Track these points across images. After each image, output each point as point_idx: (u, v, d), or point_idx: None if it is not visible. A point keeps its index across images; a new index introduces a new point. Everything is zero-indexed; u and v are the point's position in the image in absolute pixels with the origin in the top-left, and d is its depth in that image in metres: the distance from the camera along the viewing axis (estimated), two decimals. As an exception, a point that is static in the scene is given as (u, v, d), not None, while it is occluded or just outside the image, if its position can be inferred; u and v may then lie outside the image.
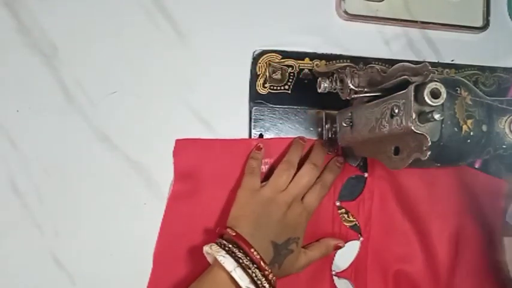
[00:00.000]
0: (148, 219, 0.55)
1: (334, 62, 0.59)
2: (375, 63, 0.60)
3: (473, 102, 0.45)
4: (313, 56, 0.59)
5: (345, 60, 0.60)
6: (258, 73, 0.58)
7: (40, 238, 0.53)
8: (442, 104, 0.41)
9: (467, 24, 0.62)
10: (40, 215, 0.54)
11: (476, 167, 0.61)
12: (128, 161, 0.55)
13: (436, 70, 0.62)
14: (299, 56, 0.59)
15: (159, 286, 0.54)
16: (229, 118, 0.57)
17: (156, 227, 0.55)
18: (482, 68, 0.63)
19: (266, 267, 0.48)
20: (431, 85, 0.41)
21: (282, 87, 0.58)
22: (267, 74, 0.58)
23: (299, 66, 0.59)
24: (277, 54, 0.58)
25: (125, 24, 0.57)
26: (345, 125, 0.54)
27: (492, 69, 0.63)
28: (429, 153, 0.42)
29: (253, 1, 0.59)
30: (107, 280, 0.54)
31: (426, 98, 0.41)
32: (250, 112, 0.57)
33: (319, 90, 0.53)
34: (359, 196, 0.59)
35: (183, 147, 0.56)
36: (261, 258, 0.48)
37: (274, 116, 0.58)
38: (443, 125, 0.43)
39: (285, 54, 0.58)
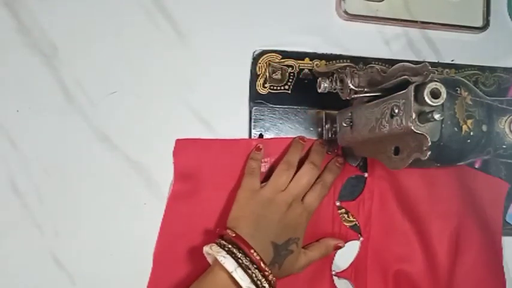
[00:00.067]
0: (148, 219, 0.55)
1: (334, 62, 0.59)
2: (375, 63, 0.60)
3: (473, 102, 0.45)
4: (313, 56, 0.59)
5: (345, 60, 0.60)
6: (258, 73, 0.58)
7: (40, 238, 0.53)
8: (442, 104, 0.41)
9: (467, 24, 0.62)
10: (40, 215, 0.54)
11: (476, 167, 0.61)
12: (128, 161, 0.55)
13: (436, 70, 0.62)
14: (299, 56, 0.59)
15: (159, 286, 0.54)
16: (229, 118, 0.57)
17: (156, 227, 0.55)
18: (482, 68, 0.63)
19: (266, 268, 0.48)
20: (431, 85, 0.41)
21: (282, 87, 0.58)
22: (267, 74, 0.58)
23: (299, 66, 0.59)
24: (277, 54, 0.58)
25: (125, 24, 0.57)
26: (345, 125, 0.54)
27: (492, 69, 0.63)
28: (429, 153, 0.42)
29: (253, 1, 0.59)
30: (107, 280, 0.54)
31: (426, 98, 0.41)
32: (250, 112, 0.57)
33: (319, 90, 0.53)
34: (359, 196, 0.59)
35: (183, 147, 0.56)
36: (261, 259, 0.48)
37: (274, 116, 0.58)
38: (443, 125, 0.43)
39: (285, 54, 0.58)
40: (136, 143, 0.56)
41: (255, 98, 0.58)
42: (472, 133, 0.44)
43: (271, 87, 0.58)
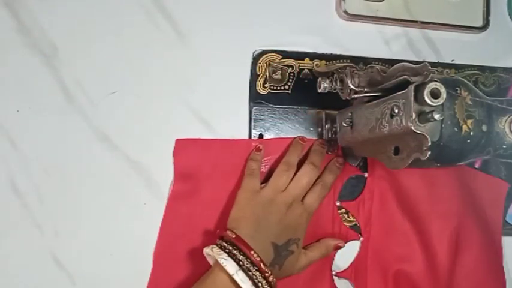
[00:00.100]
0: (148, 219, 0.55)
1: (334, 62, 0.59)
2: (375, 63, 0.60)
3: (473, 102, 0.45)
4: (313, 56, 0.59)
5: (345, 60, 0.60)
6: (258, 73, 0.58)
7: (40, 238, 0.53)
8: (442, 104, 0.41)
9: (467, 24, 0.62)
10: (40, 215, 0.54)
11: (476, 167, 0.61)
12: (128, 161, 0.55)
13: (436, 70, 0.62)
14: (299, 56, 0.59)
15: (159, 286, 0.54)
16: (229, 118, 0.57)
17: (156, 227, 0.55)
18: (482, 68, 0.63)
19: (266, 270, 0.48)
20: (431, 85, 0.41)
21: (282, 87, 0.58)
22: (267, 74, 0.58)
23: (299, 66, 0.59)
24: (277, 54, 0.58)
25: (125, 24, 0.57)
26: (345, 125, 0.54)
27: (492, 69, 0.63)
28: (429, 153, 0.42)
29: (253, 1, 0.59)
30: (107, 280, 0.54)
31: (426, 98, 0.41)
32: (250, 112, 0.57)
33: (319, 90, 0.53)
34: (359, 196, 0.59)
35: (183, 147, 0.56)
36: (261, 261, 0.48)
37: (274, 116, 0.58)
38: (443, 125, 0.43)
39: (285, 54, 0.58)
40: (136, 143, 0.56)
41: (255, 98, 0.58)
42: (472, 133, 0.44)
43: (271, 87, 0.58)
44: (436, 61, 0.62)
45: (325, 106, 0.58)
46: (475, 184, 0.61)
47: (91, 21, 0.56)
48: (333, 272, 0.58)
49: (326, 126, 0.58)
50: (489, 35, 0.63)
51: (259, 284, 0.47)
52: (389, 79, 0.48)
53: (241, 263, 0.47)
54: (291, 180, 0.54)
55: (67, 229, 0.54)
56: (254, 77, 0.58)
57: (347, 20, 0.60)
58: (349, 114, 0.53)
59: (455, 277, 0.58)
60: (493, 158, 0.50)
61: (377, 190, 0.59)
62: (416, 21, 0.61)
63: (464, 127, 0.44)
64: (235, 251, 0.48)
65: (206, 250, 0.50)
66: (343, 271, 0.58)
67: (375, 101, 0.49)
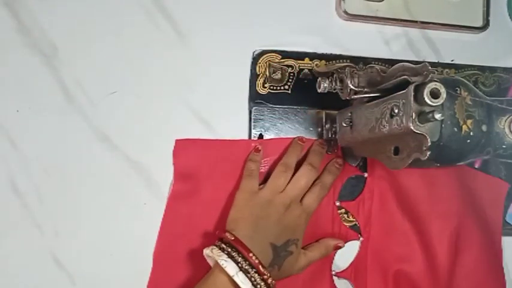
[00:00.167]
0: (148, 219, 0.55)
1: (334, 62, 0.59)
2: (375, 63, 0.60)
3: (473, 102, 0.45)
4: (313, 56, 0.59)
5: (344, 60, 0.60)
6: (258, 73, 0.58)
7: (40, 238, 0.53)
8: (442, 104, 0.41)
9: (467, 24, 0.62)
10: (40, 215, 0.54)
11: (476, 167, 0.61)
12: (128, 161, 0.55)
13: (436, 70, 0.62)
14: (299, 56, 0.59)
15: (159, 286, 0.54)
16: (229, 118, 0.57)
17: (156, 227, 0.55)
18: (482, 68, 0.63)
19: (265, 272, 0.48)
20: (431, 85, 0.41)
21: (282, 87, 0.58)
22: (267, 74, 0.58)
23: (299, 66, 0.59)
24: (277, 54, 0.58)
25: (125, 24, 0.57)
26: (344, 125, 0.54)
27: (492, 69, 0.63)
28: (429, 153, 0.42)
29: (253, 1, 0.59)
30: (107, 280, 0.54)
31: (426, 98, 0.41)
32: (250, 112, 0.57)
33: (319, 90, 0.53)
34: (359, 196, 0.59)
35: (183, 148, 0.56)
36: (260, 263, 0.48)
37: (274, 116, 0.58)
38: (443, 125, 0.43)
39: (285, 54, 0.58)
40: (136, 143, 0.56)
41: (255, 98, 0.58)
42: (471, 133, 0.44)
43: (271, 87, 0.58)
44: (436, 61, 0.62)
45: (325, 106, 0.58)
46: (475, 184, 0.61)
47: (91, 21, 0.56)
48: (333, 272, 0.58)
49: (326, 126, 0.58)
50: (489, 35, 0.63)
51: (258, 286, 0.47)
52: (389, 79, 0.48)
53: (240, 265, 0.47)
54: (290, 181, 0.54)
55: (67, 229, 0.54)
56: (254, 77, 0.58)
57: (347, 20, 0.60)
58: (349, 114, 0.53)
59: (455, 277, 0.58)
60: (493, 158, 0.50)
61: (377, 190, 0.59)
62: (416, 21, 0.61)
63: (464, 127, 0.44)
64: (234, 253, 0.48)
65: (206, 251, 0.50)
66: (343, 271, 0.58)
67: (375, 101, 0.49)
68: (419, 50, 0.62)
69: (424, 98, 0.41)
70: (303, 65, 0.59)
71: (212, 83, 0.57)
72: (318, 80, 0.53)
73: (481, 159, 0.61)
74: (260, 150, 0.56)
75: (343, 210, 0.59)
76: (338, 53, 0.60)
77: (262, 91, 0.58)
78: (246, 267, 0.47)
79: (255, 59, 0.58)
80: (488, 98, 0.47)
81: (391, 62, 0.59)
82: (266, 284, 0.47)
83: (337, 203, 0.58)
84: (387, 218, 0.58)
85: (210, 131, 0.57)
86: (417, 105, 0.42)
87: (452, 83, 0.45)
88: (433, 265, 0.57)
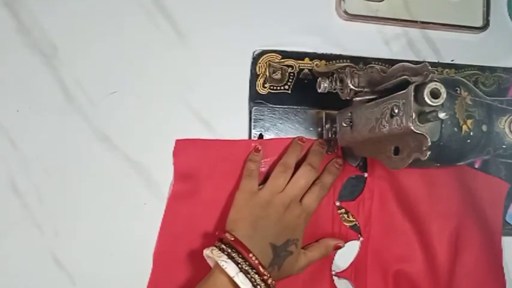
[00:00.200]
0: (148, 219, 0.55)
1: (334, 62, 0.59)
2: (375, 63, 0.60)
3: (473, 102, 0.45)
4: (313, 56, 0.59)
5: (345, 60, 0.60)
6: (258, 73, 0.58)
7: (40, 238, 0.53)
8: (442, 104, 0.41)
9: (467, 24, 0.62)
10: (40, 215, 0.54)
11: (476, 167, 0.61)
12: (128, 161, 0.55)
13: (436, 70, 0.62)
14: (299, 56, 0.59)
15: (159, 286, 0.54)
16: (229, 118, 0.57)
17: (156, 227, 0.55)
18: (482, 68, 0.63)
19: (265, 272, 0.48)
20: (431, 85, 0.41)
21: (282, 87, 0.58)
22: (267, 74, 0.58)
23: (299, 66, 0.59)
24: (277, 54, 0.58)
25: (125, 24, 0.57)
26: (345, 125, 0.54)
27: (492, 69, 0.63)
28: (429, 153, 0.42)
29: (253, 1, 0.59)
30: (107, 280, 0.54)
31: (426, 98, 0.41)
32: (250, 112, 0.57)
33: (319, 90, 0.53)
34: (359, 196, 0.59)
35: (183, 148, 0.56)
36: (260, 263, 0.48)
37: (274, 116, 0.58)
38: (443, 125, 0.43)
39: (285, 54, 0.58)
40: (136, 143, 0.56)
41: (255, 98, 0.58)
42: (472, 133, 0.44)
43: (271, 87, 0.58)
44: (436, 61, 0.62)
45: (325, 106, 0.58)
46: (475, 184, 0.61)
47: (91, 21, 0.56)
48: (333, 272, 0.58)
49: (326, 126, 0.58)
50: (489, 35, 0.63)
51: (258, 287, 0.47)
52: (389, 79, 0.48)
53: (239, 265, 0.47)
54: (289, 181, 0.54)
55: (67, 229, 0.54)
56: (254, 77, 0.58)
57: (347, 20, 0.60)
58: (349, 114, 0.53)
59: (455, 277, 0.58)
60: (493, 158, 0.50)
61: (377, 190, 0.59)
62: (416, 21, 0.61)
63: (464, 127, 0.44)
64: (233, 254, 0.48)
65: (206, 252, 0.50)
66: (343, 271, 0.58)
67: (375, 101, 0.49)
68: (420, 50, 0.62)
69: (424, 98, 0.41)
70: (303, 65, 0.59)
71: (212, 83, 0.57)
72: (318, 80, 0.53)
73: (481, 159, 0.61)
74: (260, 150, 0.56)
75: (343, 210, 0.59)
76: (338, 53, 0.60)
77: (262, 91, 0.58)
78: (246, 267, 0.47)
79: (255, 59, 0.58)
80: (488, 98, 0.47)
81: (391, 62, 0.59)
82: (266, 284, 0.47)
83: (337, 203, 0.58)
84: (387, 218, 0.58)
85: (210, 131, 0.57)
86: (417, 105, 0.42)
87: (453, 83, 0.45)
88: (433, 265, 0.57)
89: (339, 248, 0.58)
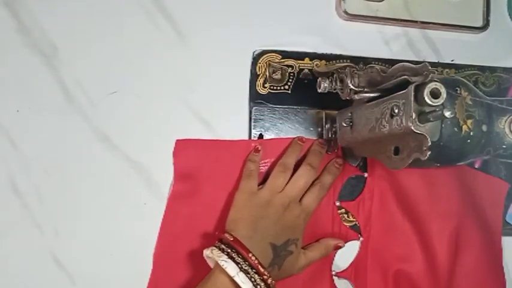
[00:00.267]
0: (148, 219, 0.55)
1: (334, 62, 0.59)
2: (375, 63, 0.60)
3: (473, 102, 0.45)
4: (313, 56, 0.59)
5: (345, 60, 0.60)
6: (258, 73, 0.58)
7: (40, 238, 0.53)
8: (442, 104, 0.41)
9: (467, 24, 0.62)
10: (40, 215, 0.54)
11: (476, 167, 0.61)
12: (128, 161, 0.55)
13: (436, 70, 0.62)
14: (299, 56, 0.59)
15: (159, 286, 0.54)
16: (229, 118, 0.57)
17: (156, 227, 0.55)
18: (482, 68, 0.63)
19: (265, 272, 0.48)
20: (431, 85, 0.41)
21: (282, 87, 0.58)
22: (267, 74, 0.58)
23: (299, 66, 0.59)
24: (277, 54, 0.58)
25: (125, 24, 0.57)
26: (345, 125, 0.54)
27: (492, 69, 0.63)
28: (429, 153, 0.42)
29: (253, 1, 0.59)
30: (107, 280, 0.54)
31: (426, 98, 0.41)
32: (250, 112, 0.57)
33: (319, 90, 0.53)
34: (359, 196, 0.59)
35: (183, 148, 0.56)
36: (259, 263, 0.48)
37: (274, 116, 0.58)
38: (443, 125, 0.43)
39: (285, 54, 0.58)
40: (136, 143, 0.56)
41: (255, 98, 0.58)
42: (472, 133, 0.44)
43: (271, 87, 0.58)
44: (436, 61, 0.62)
45: (325, 106, 0.58)
46: (475, 184, 0.61)
47: (91, 21, 0.56)
48: (333, 272, 0.58)
49: (326, 126, 0.58)
50: (489, 35, 0.63)
51: (258, 287, 0.47)
52: (389, 79, 0.48)
53: (239, 265, 0.47)
54: (289, 181, 0.54)
55: (67, 229, 0.54)
56: (254, 77, 0.58)
57: (347, 20, 0.60)
58: (349, 114, 0.53)
59: (455, 277, 0.58)
60: (493, 158, 0.50)
61: (377, 190, 0.59)
62: (416, 21, 0.61)
63: (464, 127, 0.44)
64: (233, 254, 0.48)
65: (206, 252, 0.50)
66: (343, 271, 0.58)
67: (375, 101, 0.49)
68: (420, 50, 0.62)
69: (424, 98, 0.41)
70: (303, 65, 0.59)
71: (212, 83, 0.57)
72: (318, 80, 0.53)
73: (481, 159, 0.61)
74: (260, 150, 0.56)
75: (343, 210, 0.59)
76: (338, 53, 0.60)
77: (262, 91, 0.58)
78: (246, 267, 0.47)
79: (255, 59, 0.58)
80: (488, 98, 0.47)
81: (391, 62, 0.59)
82: (266, 284, 0.47)
83: (337, 203, 0.58)
84: (387, 218, 0.58)
85: (210, 131, 0.57)
86: (417, 105, 0.42)
87: (453, 83, 0.45)
88: (433, 265, 0.57)
89: (339, 248, 0.58)
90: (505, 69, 0.64)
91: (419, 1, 0.61)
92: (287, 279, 0.53)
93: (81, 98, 0.55)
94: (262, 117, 0.58)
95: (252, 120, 0.57)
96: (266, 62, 0.58)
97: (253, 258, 0.48)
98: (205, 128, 0.57)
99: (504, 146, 0.47)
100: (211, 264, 0.50)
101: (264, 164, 0.57)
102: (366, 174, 0.59)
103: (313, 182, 0.55)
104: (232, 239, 0.49)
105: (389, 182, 0.59)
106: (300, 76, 0.59)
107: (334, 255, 0.58)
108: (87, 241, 0.54)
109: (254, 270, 0.47)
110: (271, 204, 0.52)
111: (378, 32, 0.61)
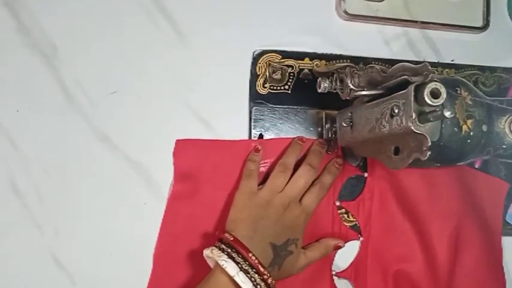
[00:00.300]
0: (148, 219, 0.55)
1: (334, 62, 0.59)
2: (375, 63, 0.60)
3: (473, 102, 0.45)
4: (313, 56, 0.59)
5: (345, 60, 0.60)
6: (258, 73, 0.58)
7: (40, 238, 0.53)
8: (443, 104, 0.41)
9: (467, 24, 0.62)
10: (40, 215, 0.54)
11: (476, 167, 0.61)
12: (128, 161, 0.55)
13: (436, 70, 0.62)
14: (299, 56, 0.59)
15: (159, 286, 0.54)
16: (229, 118, 0.57)
17: (156, 227, 0.55)
18: (482, 68, 0.63)
19: (265, 272, 0.48)
20: (431, 85, 0.41)
21: (282, 87, 0.58)
22: (267, 74, 0.58)
23: (299, 66, 0.59)
24: (277, 54, 0.58)
25: (125, 24, 0.57)
26: (345, 125, 0.54)
27: (492, 69, 0.63)
28: (429, 153, 0.42)
29: (253, 1, 0.59)
30: (107, 280, 0.54)
31: (426, 98, 0.41)
32: (250, 112, 0.57)
33: (319, 90, 0.53)
34: (359, 196, 0.59)
35: (183, 148, 0.56)
36: (259, 263, 0.48)
37: (274, 116, 0.58)
38: (443, 125, 0.43)
39: (285, 54, 0.58)
40: (136, 143, 0.56)
41: (255, 98, 0.58)
42: (472, 133, 0.44)
43: (271, 87, 0.58)
44: (436, 61, 0.62)
45: (325, 106, 0.58)
46: (475, 184, 0.61)
47: (91, 21, 0.56)
48: (333, 272, 0.58)
49: (326, 126, 0.58)
50: (489, 35, 0.63)
51: (259, 286, 0.47)
52: (389, 79, 0.48)
53: (239, 265, 0.47)
54: (289, 181, 0.54)
55: (67, 229, 0.54)
56: (254, 77, 0.58)
57: (347, 20, 0.60)
58: (349, 114, 0.53)
59: (455, 277, 0.58)
60: (493, 158, 0.50)
61: (377, 190, 0.59)
62: (416, 21, 0.61)
63: (464, 127, 0.44)
64: (233, 254, 0.48)
65: (206, 252, 0.50)
66: (343, 271, 0.58)
67: (375, 101, 0.49)
68: (420, 50, 0.62)
69: (424, 98, 0.41)
70: (303, 65, 0.59)
71: (212, 83, 0.57)
72: (318, 80, 0.53)
73: (481, 159, 0.61)
74: (260, 150, 0.56)
75: (343, 210, 0.59)
76: (338, 53, 0.60)
77: (262, 91, 0.58)
78: (246, 267, 0.47)
79: (255, 59, 0.58)
80: (488, 98, 0.47)
81: (391, 62, 0.59)
82: (266, 283, 0.47)
83: (337, 203, 0.58)
84: (387, 218, 0.58)
85: (210, 131, 0.57)
86: (417, 105, 0.42)
87: (453, 83, 0.45)
88: (433, 265, 0.57)
89: (339, 247, 0.58)
90: (505, 69, 0.64)
91: (419, 1, 0.61)
92: (287, 279, 0.53)
93: (81, 98, 0.55)
94: (262, 117, 0.58)
95: (252, 120, 0.57)
96: (266, 62, 0.58)
97: (253, 258, 0.48)
98: (205, 128, 0.57)
99: (504, 146, 0.47)
100: (211, 264, 0.50)
101: (264, 164, 0.57)
102: (366, 174, 0.59)
103: (313, 182, 0.55)
104: (232, 238, 0.49)
105: (390, 182, 0.59)
106: (300, 76, 0.59)
107: (334, 255, 0.58)
108: (87, 241, 0.54)
109: (254, 270, 0.47)
110: (271, 204, 0.52)
111: (378, 32, 0.61)
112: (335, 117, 0.56)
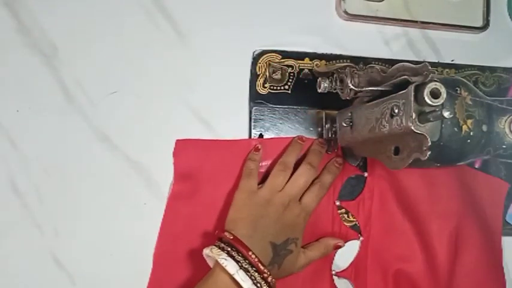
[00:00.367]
0: (148, 219, 0.55)
1: (334, 62, 0.59)
2: (375, 63, 0.60)
3: (473, 102, 0.45)
4: (313, 56, 0.59)
5: (345, 60, 0.60)
6: (258, 73, 0.58)
7: (40, 238, 0.53)
8: (442, 104, 0.41)
9: (467, 24, 0.62)
10: (40, 215, 0.54)
11: (476, 167, 0.61)
12: (128, 161, 0.55)
13: (436, 70, 0.62)
14: (299, 56, 0.59)
15: (159, 286, 0.54)
16: (229, 118, 0.57)
17: (156, 227, 0.55)
18: (482, 68, 0.63)
19: (265, 270, 0.48)
20: (431, 85, 0.41)
21: (282, 87, 0.58)
22: (267, 74, 0.58)
23: (299, 66, 0.59)
24: (277, 54, 0.58)
25: (125, 24, 0.57)
26: (345, 125, 0.54)
27: (492, 69, 0.63)
28: (429, 153, 0.42)
29: (253, 1, 0.59)
30: (107, 280, 0.54)
31: (426, 98, 0.41)
32: (250, 112, 0.57)
33: (319, 90, 0.53)
34: (359, 196, 0.59)
35: (183, 148, 0.56)
36: (259, 261, 0.48)
37: (274, 116, 0.58)
38: (443, 125, 0.43)
39: (285, 54, 0.58)
40: (136, 143, 0.56)
41: (255, 98, 0.58)
42: (472, 133, 0.44)
43: (271, 87, 0.58)
44: (436, 61, 0.62)
45: (325, 106, 0.58)
46: (475, 184, 0.61)
47: (91, 21, 0.56)
48: (333, 272, 0.58)
49: (326, 126, 0.58)
50: (489, 35, 0.63)
51: (258, 285, 0.47)
52: (389, 79, 0.48)
53: (239, 263, 0.47)
54: (288, 180, 0.54)
55: (67, 229, 0.54)
56: (254, 77, 0.58)
57: (347, 20, 0.60)
58: (349, 114, 0.53)
59: (455, 277, 0.58)
60: (493, 158, 0.50)
61: (377, 190, 0.59)
62: (416, 21, 0.61)
63: (464, 127, 0.44)
64: (233, 252, 0.48)
65: (206, 251, 0.50)
66: (343, 271, 0.58)
67: (375, 101, 0.49)
68: (420, 50, 0.62)
69: (424, 98, 0.41)
70: (303, 65, 0.59)
71: (212, 83, 0.57)
72: (318, 80, 0.53)
73: (481, 159, 0.61)
74: (260, 149, 0.56)
75: (343, 210, 0.59)
76: (338, 53, 0.60)
77: (262, 91, 0.58)
78: (246, 266, 0.47)
79: (255, 59, 0.58)
80: (488, 98, 0.47)
81: (391, 62, 0.59)
82: (266, 282, 0.47)
83: (337, 203, 0.58)
84: (387, 217, 0.58)
85: (210, 131, 0.57)
86: (417, 105, 0.42)
87: (453, 83, 0.45)
88: (433, 265, 0.57)
89: (339, 247, 0.58)
90: (505, 69, 0.64)
91: (419, 1, 0.61)
92: (287, 278, 0.53)
93: (81, 98, 0.55)
94: (262, 117, 0.58)
95: (252, 120, 0.57)
96: (266, 62, 0.58)
97: (253, 256, 0.48)
98: (205, 128, 0.57)
99: (504, 146, 0.47)
100: (211, 264, 0.50)
101: (264, 163, 0.57)
102: (365, 174, 0.59)
103: (313, 181, 0.56)
104: (232, 237, 0.49)
105: (389, 182, 0.59)
106: (300, 76, 0.59)
107: (334, 255, 0.58)
108: (87, 241, 0.54)
109: (254, 269, 0.47)
110: (271, 203, 0.52)
111: (378, 32, 0.61)
112: (335, 117, 0.56)
